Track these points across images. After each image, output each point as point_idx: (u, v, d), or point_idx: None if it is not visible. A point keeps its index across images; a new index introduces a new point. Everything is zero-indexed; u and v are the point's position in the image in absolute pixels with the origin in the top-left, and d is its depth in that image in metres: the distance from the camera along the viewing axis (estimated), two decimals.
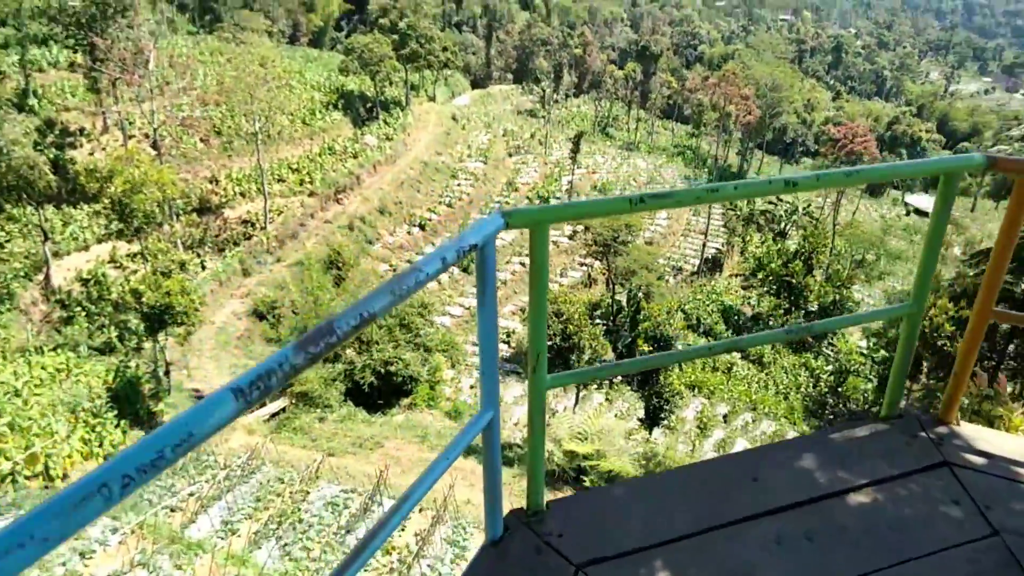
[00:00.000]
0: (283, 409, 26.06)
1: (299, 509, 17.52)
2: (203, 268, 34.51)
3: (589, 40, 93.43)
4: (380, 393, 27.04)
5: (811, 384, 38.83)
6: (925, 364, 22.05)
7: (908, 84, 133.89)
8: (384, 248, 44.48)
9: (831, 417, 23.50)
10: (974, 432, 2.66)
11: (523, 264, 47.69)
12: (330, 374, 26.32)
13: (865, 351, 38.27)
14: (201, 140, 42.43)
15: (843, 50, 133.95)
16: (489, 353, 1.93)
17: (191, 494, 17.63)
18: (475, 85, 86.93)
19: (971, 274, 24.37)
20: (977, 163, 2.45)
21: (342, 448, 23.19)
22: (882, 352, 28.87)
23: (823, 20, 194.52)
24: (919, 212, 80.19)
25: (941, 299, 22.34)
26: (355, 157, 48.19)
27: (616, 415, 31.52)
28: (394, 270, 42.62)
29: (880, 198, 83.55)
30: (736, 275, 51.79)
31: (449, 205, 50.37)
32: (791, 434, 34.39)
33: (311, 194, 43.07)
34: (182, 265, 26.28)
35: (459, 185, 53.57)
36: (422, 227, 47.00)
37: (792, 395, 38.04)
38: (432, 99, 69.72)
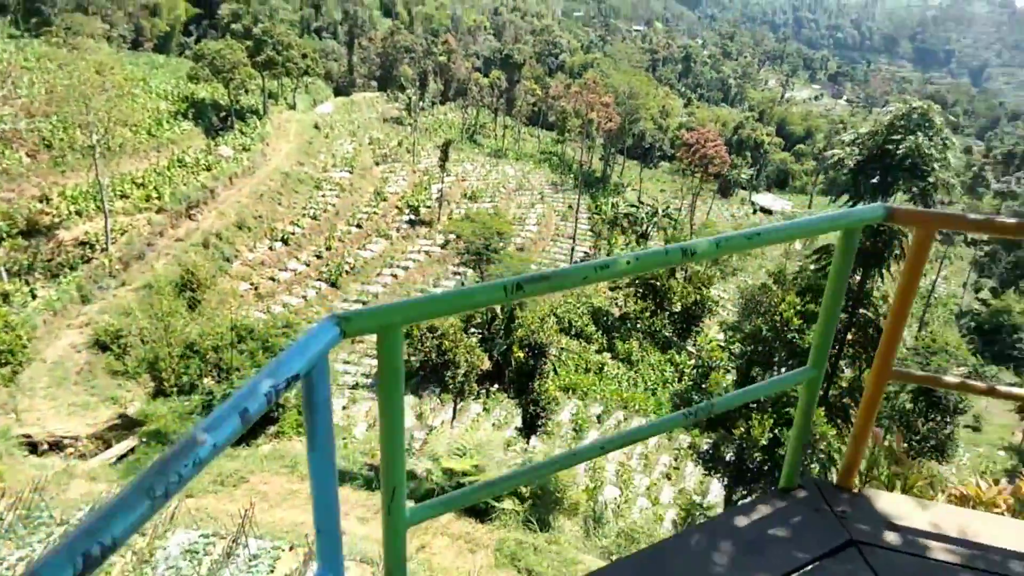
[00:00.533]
0: (132, 450, 23.78)
1: (151, 559, 15.89)
2: (33, 297, 30.95)
3: (453, 48, 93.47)
4: None
5: (676, 379, 40.68)
6: (776, 359, 23.44)
7: (750, 91, 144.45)
8: (244, 265, 42.00)
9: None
10: (876, 499, 2.56)
11: (394, 276, 46.71)
12: (186, 407, 24.33)
13: (723, 343, 40.65)
14: (27, 155, 38.19)
15: (692, 59, 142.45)
16: (326, 509, 1.48)
17: (21, 559, 15.50)
18: (338, 92, 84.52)
19: (812, 268, 26.25)
20: (877, 215, 2.26)
21: (201, 487, 21.41)
22: (738, 345, 30.64)
23: (673, 31, 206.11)
24: (764, 210, 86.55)
25: (789, 294, 23.85)
26: (209, 169, 45.25)
27: (494, 424, 31.41)
28: (255, 288, 40.35)
29: (730, 198, 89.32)
30: None
31: (314, 217, 48.45)
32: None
33: (159, 211, 39.90)
34: (4, 296, 23.34)
35: (324, 196, 51.70)
36: (285, 241, 44.85)
37: (660, 390, 39.65)
38: (292, 107, 66.99)
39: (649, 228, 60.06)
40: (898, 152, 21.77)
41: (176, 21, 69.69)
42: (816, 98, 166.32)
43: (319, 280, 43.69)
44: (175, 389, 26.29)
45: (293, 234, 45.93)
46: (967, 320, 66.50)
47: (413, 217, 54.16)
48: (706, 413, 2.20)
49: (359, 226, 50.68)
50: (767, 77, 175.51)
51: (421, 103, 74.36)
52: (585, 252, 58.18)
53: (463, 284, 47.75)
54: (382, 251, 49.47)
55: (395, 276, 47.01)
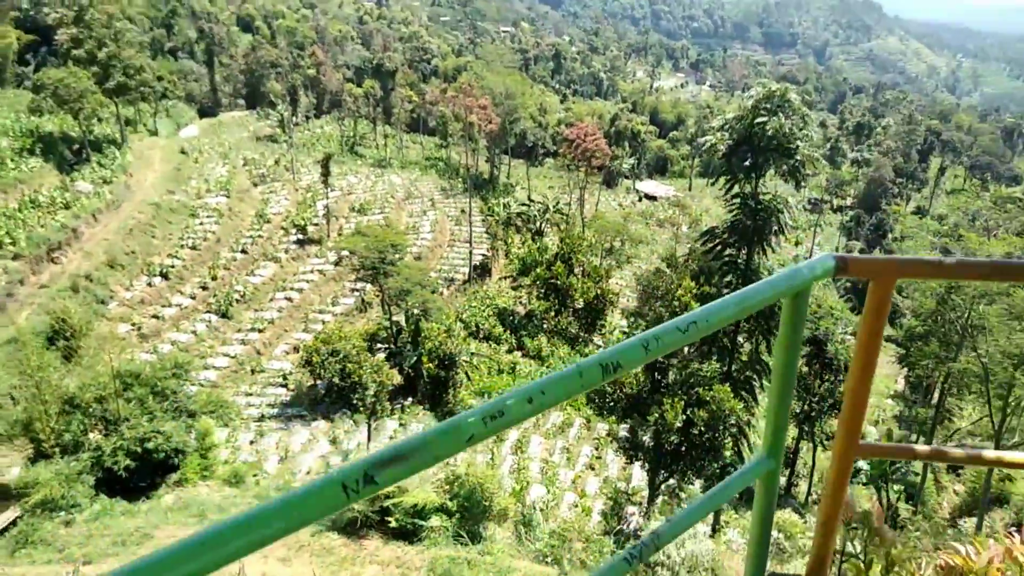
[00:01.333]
0: (14, 522, 21.38)
1: None
2: None
3: (322, 60, 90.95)
4: (140, 475, 23.34)
5: None
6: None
7: (621, 83, 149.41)
8: (122, 306, 38.94)
9: (611, 404, 24.76)
10: None
11: (288, 299, 44.78)
12: (72, 468, 22.13)
13: (626, 330, 41.64)
14: None
15: (562, 56, 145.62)
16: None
17: None
18: (203, 114, 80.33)
19: (701, 250, 27.19)
20: (828, 269, 1.81)
21: (100, 551, 19.55)
22: (642, 324, 31.41)
23: (540, 30, 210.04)
24: (648, 196, 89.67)
25: (684, 279, 24.56)
26: (68, 207, 41.63)
27: None
28: (138, 328, 37.52)
29: (615, 188, 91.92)
30: (504, 277, 53.38)
31: (194, 247, 45.64)
32: (577, 421, 36.18)
33: (15, 257, 36.29)
34: None
35: (202, 224, 48.82)
36: (165, 276, 41.96)
37: None
38: (154, 133, 62.99)
39: (542, 225, 60.74)
40: (765, 133, 22.88)
41: (8, 50, 63.78)
42: (682, 86, 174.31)
43: (208, 312, 41.20)
44: (57, 450, 23.89)
45: (173, 267, 43.07)
46: (842, 282, 71.42)
47: (301, 237, 52.18)
48: (651, 551, 1.80)
49: (244, 251, 48.25)
50: (634, 69, 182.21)
51: (295, 118, 71.88)
52: (483, 254, 58.08)
53: (362, 299, 46.51)
54: (272, 275, 47.34)
55: (290, 299, 45.11)
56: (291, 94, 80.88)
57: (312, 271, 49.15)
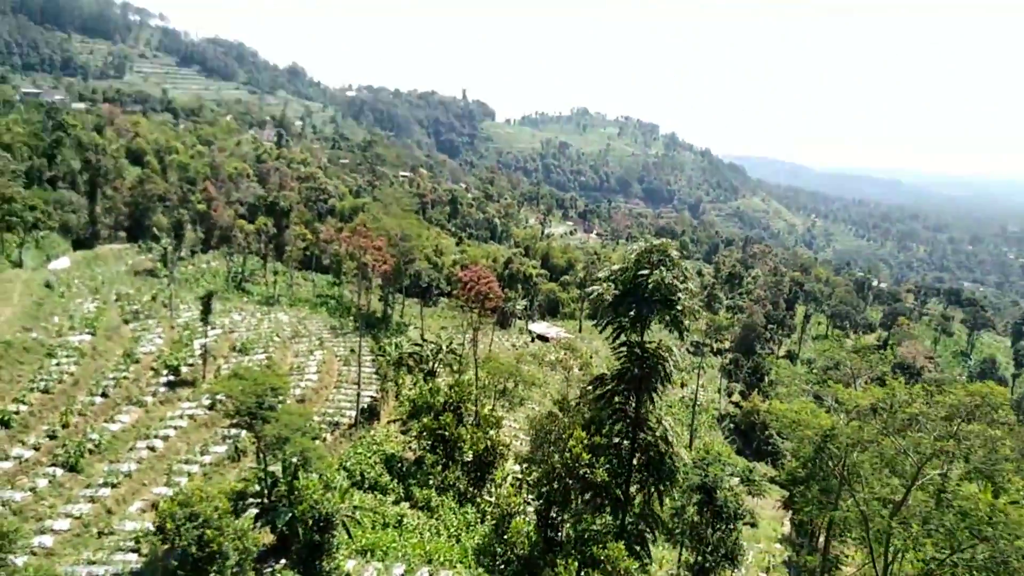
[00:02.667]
0: None
1: None
2: None
3: (214, 195, 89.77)
4: None
5: (479, 519, 39.13)
6: (573, 495, 23.28)
7: (514, 229, 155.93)
8: None
9: (502, 566, 23.15)
10: None
11: (151, 448, 40.62)
12: None
13: (519, 475, 40.22)
14: None
15: (458, 202, 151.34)
16: None
17: None
18: (79, 245, 76.14)
19: (591, 397, 27.09)
20: None
21: None
22: (534, 473, 30.36)
23: (438, 176, 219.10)
24: (541, 338, 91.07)
25: (576, 429, 24.15)
26: None
27: None
28: None
29: (509, 329, 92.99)
30: (393, 420, 51.21)
31: (45, 391, 41.17)
32: None
33: None
34: None
35: (59, 365, 44.49)
36: (6, 424, 37.23)
37: (464, 536, 37.69)
38: (18, 265, 58.58)
39: (435, 365, 59.69)
40: (648, 285, 23.75)
41: None
42: (571, 233, 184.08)
43: (53, 465, 36.45)
44: None
45: (17, 413, 38.37)
46: (726, 423, 73.59)
47: (173, 378, 48.50)
48: None
49: (105, 395, 44.05)
50: (527, 216, 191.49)
51: (178, 252, 69.26)
52: (372, 396, 55.89)
53: (236, 448, 42.88)
54: (135, 421, 43.13)
55: (152, 448, 40.90)
56: (177, 228, 78.47)
57: (182, 416, 45.27)
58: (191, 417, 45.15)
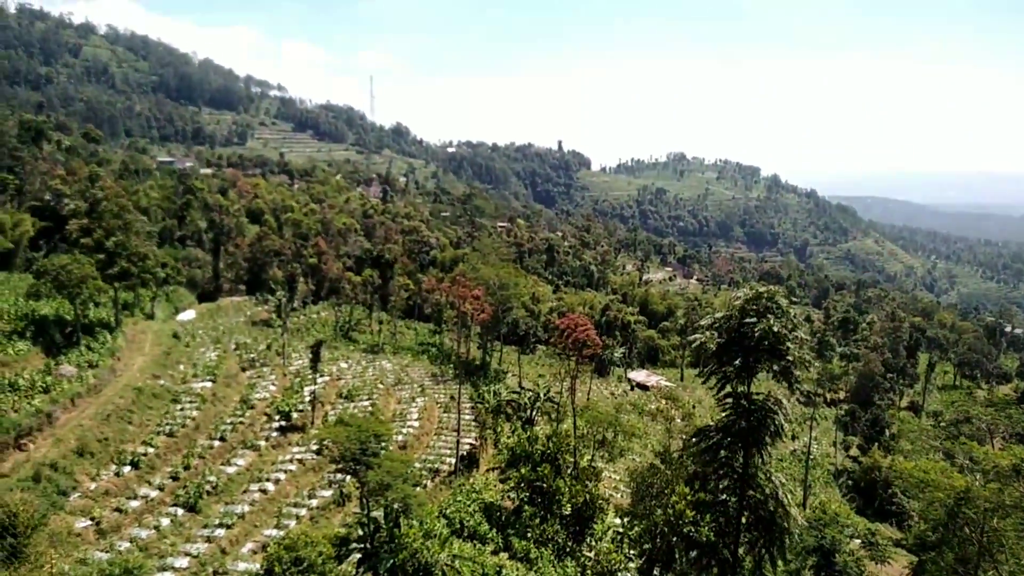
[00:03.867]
0: None
1: None
2: None
3: (324, 249, 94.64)
4: None
5: (579, 574, 38.05)
6: (677, 554, 22.30)
7: (611, 275, 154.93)
8: (85, 497, 36.63)
9: None
10: None
11: (263, 491, 42.33)
12: None
13: (620, 530, 38.89)
14: None
15: (555, 250, 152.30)
16: None
17: None
18: (203, 298, 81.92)
19: (694, 451, 26.03)
20: None
21: None
22: (636, 528, 29.23)
23: (534, 226, 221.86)
24: (640, 386, 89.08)
25: (679, 484, 23.27)
26: (46, 392, 40.68)
27: None
28: (96, 523, 34.94)
29: (607, 377, 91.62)
30: (492, 468, 51.12)
31: (170, 434, 44.04)
32: None
33: None
34: None
35: (182, 410, 47.57)
36: (135, 465, 39.99)
37: None
38: (150, 317, 63.53)
39: (533, 413, 59.43)
40: (754, 335, 22.80)
41: (23, 236, 66.30)
42: (670, 279, 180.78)
43: (175, 505, 38.70)
44: None
45: (145, 455, 41.19)
46: (844, 479, 68.79)
47: (284, 423, 50.70)
48: None
49: (223, 439, 46.55)
50: (624, 262, 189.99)
51: (291, 304, 73.09)
52: (471, 443, 56.20)
53: (341, 492, 43.99)
54: (249, 464, 45.26)
55: (264, 491, 42.67)
56: (290, 281, 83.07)
57: (292, 460, 47.11)
58: (300, 461, 46.86)
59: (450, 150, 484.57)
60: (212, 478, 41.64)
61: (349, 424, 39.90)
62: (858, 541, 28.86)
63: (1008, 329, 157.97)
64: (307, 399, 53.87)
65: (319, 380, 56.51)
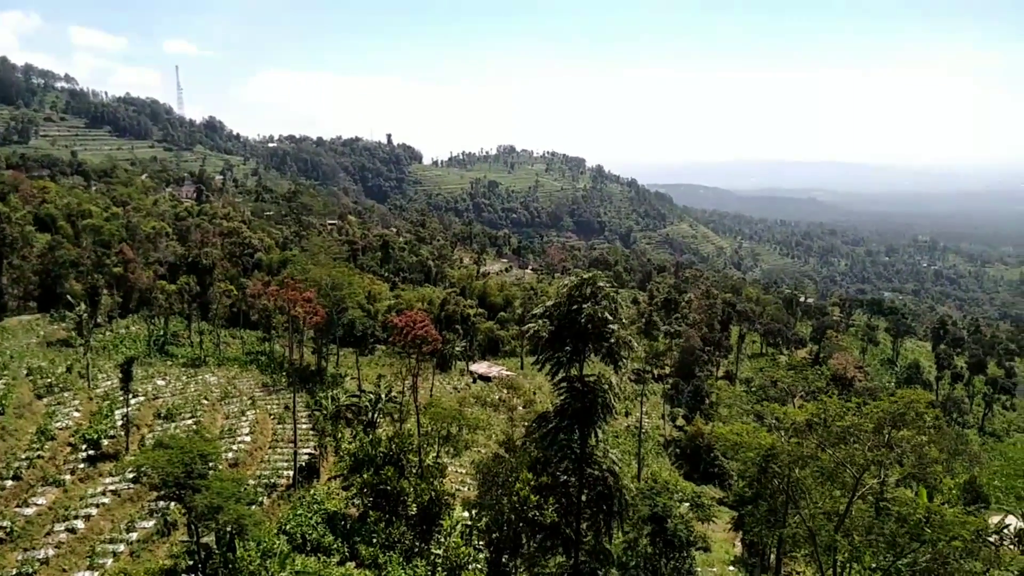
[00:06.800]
0: None
1: None
2: None
3: (130, 257, 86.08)
4: None
5: (429, 574, 37.68)
6: (524, 539, 22.54)
7: (449, 270, 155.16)
8: None
9: None
10: None
11: (71, 531, 37.66)
12: None
13: (469, 522, 39.00)
14: None
15: (390, 247, 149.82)
16: None
17: None
18: None
19: (535, 436, 26.55)
20: None
21: None
22: (484, 519, 29.36)
23: (367, 222, 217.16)
24: (483, 378, 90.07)
25: (523, 471, 23.53)
26: None
27: None
28: None
29: (449, 371, 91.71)
30: (335, 476, 49.30)
31: None
32: None
33: None
34: None
35: None
36: None
37: None
38: None
39: (375, 416, 58.03)
40: (582, 320, 23.58)
41: None
42: (507, 270, 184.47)
43: None
44: None
45: None
46: (672, 448, 73.91)
47: (92, 453, 45.55)
48: None
49: (17, 477, 40.93)
50: (461, 256, 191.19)
51: (94, 319, 65.80)
52: (310, 453, 53.79)
53: (165, 521, 40.31)
54: (52, 502, 40.12)
55: (72, 530, 38.01)
56: (92, 294, 74.63)
57: (104, 492, 42.40)
58: (114, 493, 42.36)
59: (271, 145, 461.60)
60: (5, 523, 36.45)
61: (170, 446, 36.57)
62: (687, 504, 31.11)
63: (802, 299, 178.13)
64: (119, 423, 48.76)
65: (132, 401, 51.35)
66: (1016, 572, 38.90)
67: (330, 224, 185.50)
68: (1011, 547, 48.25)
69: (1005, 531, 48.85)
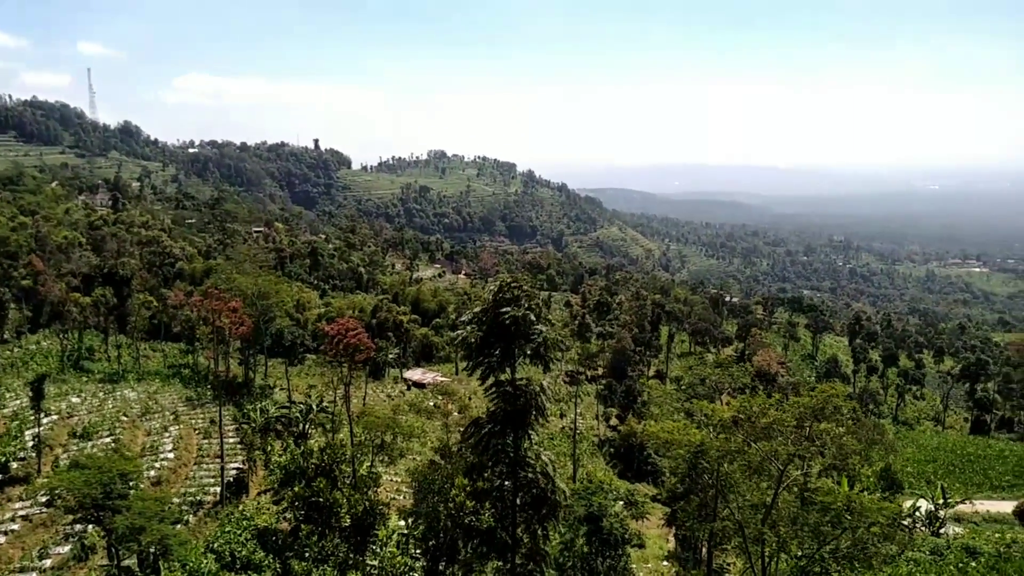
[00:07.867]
0: None
1: None
2: None
3: (40, 269, 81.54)
4: None
5: None
6: (460, 546, 22.44)
7: (380, 276, 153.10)
8: None
9: None
10: None
11: None
12: None
13: (406, 531, 38.52)
14: None
15: (319, 254, 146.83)
16: None
17: None
18: None
19: (470, 443, 26.44)
20: None
21: None
22: (420, 527, 29.03)
23: (295, 229, 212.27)
24: (417, 385, 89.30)
25: (458, 477, 23.43)
26: None
27: None
28: None
29: (383, 379, 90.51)
30: (265, 491, 47.88)
31: None
32: None
33: None
34: None
35: None
36: None
37: None
38: None
39: (306, 427, 56.69)
40: (507, 323, 23.65)
41: None
42: (440, 275, 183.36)
43: None
44: None
45: None
46: (606, 448, 75.00)
47: (0, 477, 42.90)
48: None
49: None
50: (393, 262, 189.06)
51: (0, 335, 61.92)
52: (238, 468, 52.14)
53: (82, 545, 38.32)
54: None
55: None
56: None
57: (14, 518, 40.12)
58: (25, 518, 40.13)
59: (192, 151, 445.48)
60: None
61: (87, 466, 34.85)
62: (621, 503, 31.67)
63: (727, 299, 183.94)
64: (30, 444, 46.11)
65: (45, 420, 48.64)
66: (927, 551, 41.25)
67: (256, 231, 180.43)
68: (923, 528, 51.17)
69: (916, 514, 51.78)
